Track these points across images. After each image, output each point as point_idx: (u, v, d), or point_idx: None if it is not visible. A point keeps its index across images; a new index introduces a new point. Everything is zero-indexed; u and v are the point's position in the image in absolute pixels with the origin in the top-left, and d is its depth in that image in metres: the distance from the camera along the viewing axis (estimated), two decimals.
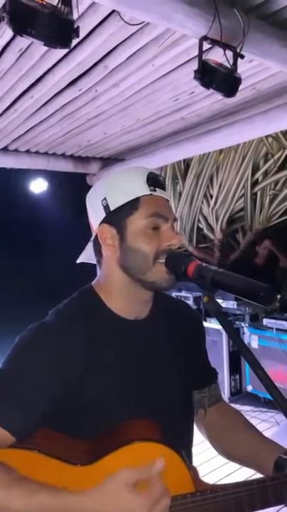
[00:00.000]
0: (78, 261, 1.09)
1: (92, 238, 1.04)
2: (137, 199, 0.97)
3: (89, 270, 1.10)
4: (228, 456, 1.12)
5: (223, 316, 0.85)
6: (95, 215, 1.01)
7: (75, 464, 0.89)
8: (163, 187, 1.01)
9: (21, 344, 0.95)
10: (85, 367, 0.94)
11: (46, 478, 0.86)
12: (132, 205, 0.97)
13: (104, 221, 0.99)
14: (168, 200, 1.03)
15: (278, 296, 4.16)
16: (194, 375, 1.12)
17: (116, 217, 0.98)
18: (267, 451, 1.01)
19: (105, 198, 0.98)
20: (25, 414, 0.89)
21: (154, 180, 0.99)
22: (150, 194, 0.98)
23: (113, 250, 1.00)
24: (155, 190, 0.98)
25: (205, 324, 4.35)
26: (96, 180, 4.62)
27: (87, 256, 1.08)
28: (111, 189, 0.99)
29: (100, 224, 1.00)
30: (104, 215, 0.99)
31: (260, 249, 5.04)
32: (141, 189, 0.98)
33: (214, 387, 1.18)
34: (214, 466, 2.87)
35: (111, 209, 0.98)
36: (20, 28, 1.41)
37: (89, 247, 1.06)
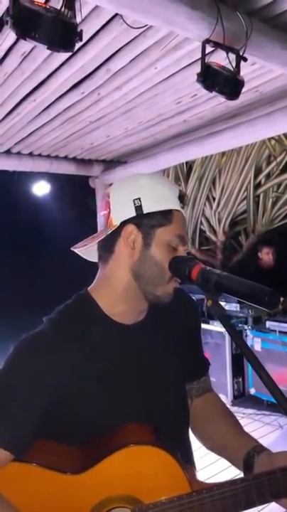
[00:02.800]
0: (75, 248, 1.01)
1: (108, 231, 0.96)
2: (170, 211, 0.97)
3: (91, 272, 1.08)
4: (206, 447, 1.13)
5: (227, 320, 0.85)
6: (120, 211, 0.97)
7: (69, 473, 0.89)
8: (185, 205, 1.02)
9: (14, 356, 0.94)
10: (80, 376, 0.93)
11: (40, 490, 0.86)
12: (166, 217, 0.96)
13: (132, 221, 0.96)
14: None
15: (282, 299, 4.15)
16: (186, 369, 1.11)
17: (146, 223, 0.96)
18: (239, 446, 1.01)
19: (139, 198, 0.95)
20: (21, 430, 0.89)
21: (183, 198, 1.00)
22: (180, 210, 0.99)
23: (131, 253, 0.97)
24: (183, 208, 1.00)
25: (208, 327, 4.36)
26: (98, 183, 4.63)
27: (87, 250, 1.00)
28: (148, 191, 0.97)
29: (126, 222, 0.96)
30: (133, 214, 0.95)
31: (263, 255, 5.02)
32: (175, 202, 0.98)
33: (203, 380, 1.17)
34: (219, 468, 2.86)
35: (145, 212, 0.95)
36: (24, 31, 1.42)
37: (99, 236, 0.98)
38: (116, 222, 0.97)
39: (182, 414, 1.08)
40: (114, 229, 0.97)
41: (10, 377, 0.92)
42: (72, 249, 1.02)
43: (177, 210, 0.98)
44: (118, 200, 0.99)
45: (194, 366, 1.16)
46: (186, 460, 0.97)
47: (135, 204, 0.95)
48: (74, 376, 0.93)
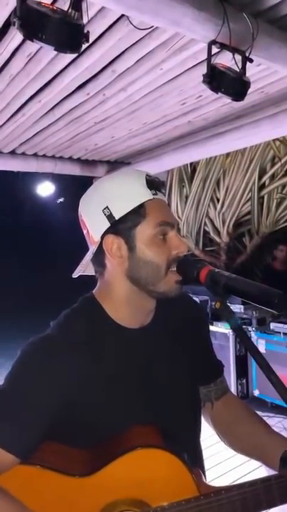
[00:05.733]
0: (75, 275, 1.02)
1: (93, 250, 0.98)
2: (142, 205, 0.94)
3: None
4: (234, 449, 1.11)
5: (236, 322, 0.85)
6: (95, 226, 0.97)
7: (77, 476, 0.88)
8: (160, 189, 0.99)
9: (21, 360, 0.93)
10: (87, 380, 0.93)
11: (46, 492, 0.86)
12: (139, 213, 0.94)
13: (109, 231, 0.95)
14: (165, 202, 1.01)
15: None
16: (199, 372, 1.11)
17: (122, 227, 0.94)
18: (273, 445, 1.00)
19: (107, 207, 0.94)
20: (27, 434, 0.88)
21: (153, 183, 0.96)
22: (153, 198, 0.95)
23: (120, 261, 0.96)
24: (156, 194, 0.96)
25: (212, 328, 4.35)
26: None
27: (84, 268, 1.02)
28: (113, 197, 0.95)
29: (104, 234, 0.96)
30: (107, 225, 0.94)
31: (277, 253, 4.99)
32: (144, 194, 0.95)
33: (220, 381, 1.17)
34: (227, 468, 2.87)
35: (116, 218, 0.94)
36: (31, 33, 1.42)
37: (87, 260, 1.01)
38: (96, 238, 0.97)
39: (190, 417, 1.07)
40: (97, 246, 0.97)
41: (17, 381, 0.92)
42: (73, 276, 1.02)
43: (148, 200, 0.94)
44: (90, 216, 0.98)
45: (209, 369, 1.16)
46: (195, 463, 0.97)
47: (105, 214, 0.94)
48: (82, 379, 0.92)
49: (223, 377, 1.19)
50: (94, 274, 1.05)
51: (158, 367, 1.01)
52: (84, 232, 1.02)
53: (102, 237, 0.96)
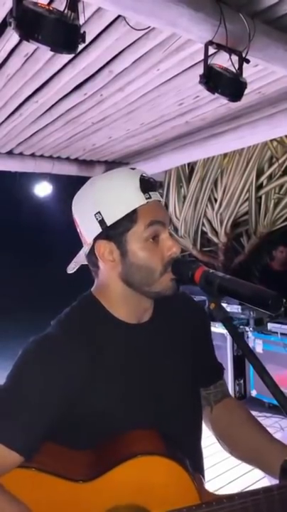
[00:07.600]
0: (70, 271, 1.02)
1: (86, 250, 0.98)
2: (135, 211, 0.92)
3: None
4: (232, 453, 1.10)
5: (230, 323, 0.85)
6: (88, 228, 0.96)
7: (77, 481, 0.88)
8: (155, 189, 0.97)
9: (23, 359, 0.93)
10: (89, 378, 0.93)
11: (45, 497, 0.85)
12: (131, 219, 0.92)
13: (101, 237, 0.95)
14: (160, 201, 0.99)
15: (284, 301, 4.12)
16: (200, 373, 1.10)
17: (114, 232, 0.93)
18: (272, 452, 0.99)
19: (99, 212, 0.93)
20: (30, 432, 0.88)
21: (147, 185, 0.94)
22: (147, 203, 0.93)
23: (113, 265, 0.96)
24: (150, 198, 0.93)
25: None
26: None
27: (78, 263, 1.03)
28: (105, 201, 0.93)
29: (96, 239, 0.95)
30: (99, 230, 0.94)
31: (277, 254, 4.99)
32: (137, 199, 0.93)
33: (220, 384, 1.15)
34: (219, 471, 2.87)
35: (108, 224, 0.93)
36: (27, 33, 1.42)
37: (80, 258, 1.01)
38: (89, 240, 0.97)
39: (192, 419, 1.06)
40: (90, 247, 0.97)
41: (19, 380, 0.92)
42: (68, 271, 1.03)
43: (141, 205, 0.92)
44: (82, 217, 0.98)
45: (209, 370, 1.15)
46: (196, 467, 0.96)
47: (97, 219, 0.93)
48: (84, 377, 0.92)
49: (223, 380, 1.17)
50: (86, 263, 1.04)
51: (160, 366, 1.01)
52: (78, 230, 1.02)
53: (94, 240, 0.96)
